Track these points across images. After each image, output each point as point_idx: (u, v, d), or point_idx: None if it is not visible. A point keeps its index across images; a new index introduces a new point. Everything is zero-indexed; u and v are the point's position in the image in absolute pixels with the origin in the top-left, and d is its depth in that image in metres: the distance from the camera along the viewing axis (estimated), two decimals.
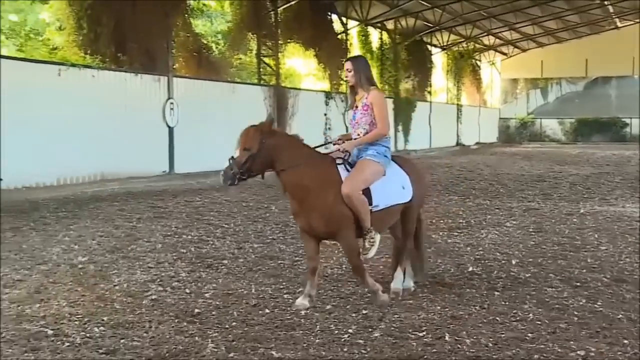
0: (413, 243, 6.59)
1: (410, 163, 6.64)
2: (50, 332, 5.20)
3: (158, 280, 6.93)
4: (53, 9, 20.94)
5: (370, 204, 5.92)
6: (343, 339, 5.15)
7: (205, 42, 24.58)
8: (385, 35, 34.67)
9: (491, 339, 5.12)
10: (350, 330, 5.34)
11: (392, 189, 6.09)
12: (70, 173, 16.62)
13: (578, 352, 4.86)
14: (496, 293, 6.44)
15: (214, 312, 5.80)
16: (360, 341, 5.11)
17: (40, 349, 4.84)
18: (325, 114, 28.72)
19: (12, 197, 13.46)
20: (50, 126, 15.83)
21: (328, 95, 29.01)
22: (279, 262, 7.91)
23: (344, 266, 7.65)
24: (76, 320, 5.50)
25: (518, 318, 5.66)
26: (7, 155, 14.67)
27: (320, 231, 5.93)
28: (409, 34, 35.44)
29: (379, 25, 33.47)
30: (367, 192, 5.93)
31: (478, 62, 47.94)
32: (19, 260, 7.82)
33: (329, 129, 28.84)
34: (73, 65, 17.03)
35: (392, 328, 5.40)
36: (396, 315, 5.72)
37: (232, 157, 5.84)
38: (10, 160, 14.75)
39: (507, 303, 6.10)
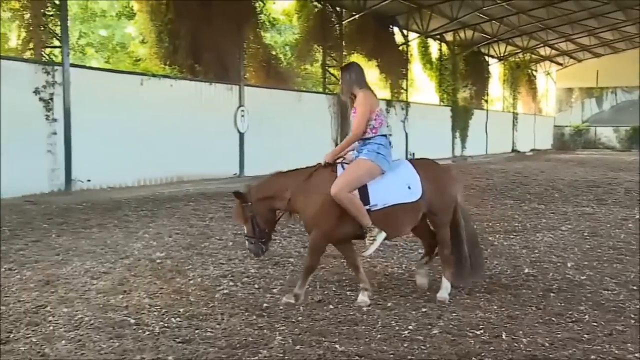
0: (449, 249, 6.10)
1: (433, 167, 6.24)
2: (132, 321, 5.32)
3: (229, 275, 7.00)
4: (137, 24, 21.49)
5: (368, 202, 5.71)
6: (403, 335, 5.10)
7: (274, 53, 24.78)
8: (444, 47, 34.33)
9: (547, 339, 4.99)
10: (410, 327, 5.29)
11: (394, 188, 5.80)
12: (149, 175, 17.00)
13: (636, 355, 4.69)
14: (552, 294, 6.27)
15: (281, 307, 5.82)
16: (420, 337, 5.05)
17: (123, 337, 4.94)
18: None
19: (98, 197, 13.85)
20: (132, 131, 16.24)
21: (389, 103, 28.87)
22: (342, 261, 7.86)
23: (403, 265, 7.60)
24: (155, 311, 5.61)
25: (574, 319, 5.50)
26: (94, 158, 15.11)
27: (307, 227, 5.90)
28: (467, 45, 35.01)
29: (438, 37, 33.17)
30: (364, 191, 5.72)
31: (534, 72, 46.97)
32: (104, 254, 8.02)
33: (390, 135, 28.73)
34: (154, 75, 17.44)
35: (451, 326, 5.32)
36: (454, 314, 5.64)
37: (244, 234, 6.07)
38: (97, 162, 15.20)
39: (563, 304, 5.94)
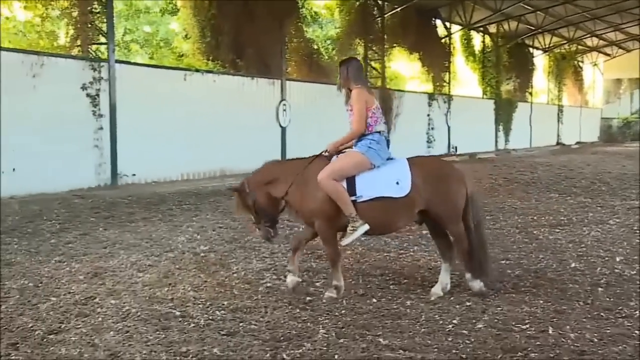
0: (466, 243, 5.94)
1: (434, 165, 6.23)
2: (177, 313, 5.39)
3: (272, 269, 7.04)
4: (180, 20, 21.72)
5: (354, 193, 5.77)
6: (447, 329, 5.07)
7: (315, 47, 24.79)
8: (487, 39, 33.90)
9: (596, 335, 4.90)
10: (454, 321, 5.25)
11: (382, 182, 5.81)
12: (193, 169, 17.19)
13: None
14: (600, 289, 6.15)
15: (324, 300, 5.83)
16: (464, 332, 5.01)
17: (169, 329, 5.02)
18: (428, 115, 28.44)
19: (143, 191, 14.07)
20: (175, 126, 16.44)
21: (431, 96, 28.70)
22: (385, 254, 7.86)
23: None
24: (200, 304, 5.67)
25: (624, 315, 5.38)
26: (139, 152, 15.36)
27: (306, 218, 6.01)
28: (511, 37, 34.50)
29: (481, 29, 32.76)
30: (351, 182, 5.79)
31: (580, 64, 46.05)
32: (149, 247, 8.15)
33: (432, 128, 28.54)
34: (197, 70, 17.61)
35: (496, 320, 5.27)
36: (499, 308, 5.57)
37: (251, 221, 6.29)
38: (142, 157, 15.44)
39: (611, 299, 5.82)
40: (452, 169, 6.25)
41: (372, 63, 25.98)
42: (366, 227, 5.81)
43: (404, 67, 31.62)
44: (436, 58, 28.92)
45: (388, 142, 6.07)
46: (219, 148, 17.60)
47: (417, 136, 27.51)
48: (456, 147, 30.02)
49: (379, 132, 5.99)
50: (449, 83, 30.12)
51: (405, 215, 5.92)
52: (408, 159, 5.96)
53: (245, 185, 6.15)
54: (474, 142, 30.75)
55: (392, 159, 6.04)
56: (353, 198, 5.77)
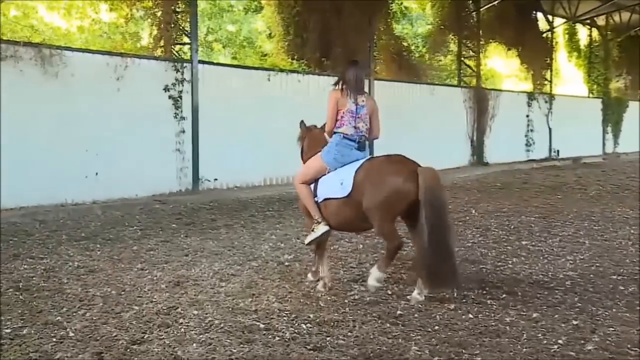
0: (391, 243, 6.09)
1: (380, 163, 6.24)
2: (262, 325, 5.44)
3: (360, 280, 7.01)
4: (265, 18, 22.08)
5: (315, 195, 6.55)
6: (552, 350, 4.90)
7: (405, 44, 24.67)
8: (595, 32, 32.86)
9: None
10: (560, 341, 5.07)
11: (331, 183, 6.43)
12: (276, 174, 17.38)
13: None
14: None
15: (416, 315, 5.76)
16: (572, 353, 4.83)
17: (253, 342, 5.07)
18: (527, 116, 27.83)
19: (224, 196, 14.35)
20: (258, 128, 16.65)
21: (531, 96, 28.07)
22: (481, 266, 7.72)
23: (549, 273, 7.32)
24: (285, 316, 5.71)
25: None
26: (220, 156, 15.66)
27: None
28: (622, 29, 33.25)
29: (588, 21, 31.76)
30: (315, 185, 6.59)
31: None
32: (232, 255, 8.28)
33: (532, 131, 27.89)
34: (281, 70, 17.81)
35: (607, 342, 5.05)
36: (611, 329, 5.35)
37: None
38: (224, 161, 15.74)
39: None
40: (393, 165, 6.17)
41: (466, 61, 25.63)
42: (325, 228, 6.52)
43: (501, 65, 31.06)
44: (537, 54, 28.26)
45: (360, 144, 6.54)
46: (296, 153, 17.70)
47: (515, 139, 26.98)
48: (558, 151, 29.24)
49: (342, 134, 6.55)
50: (550, 81, 29.36)
51: (352, 214, 6.31)
52: (367, 159, 6.41)
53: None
54: (578, 145, 29.85)
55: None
56: (315, 199, 6.56)
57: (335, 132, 6.62)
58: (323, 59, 19.55)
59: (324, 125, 7.02)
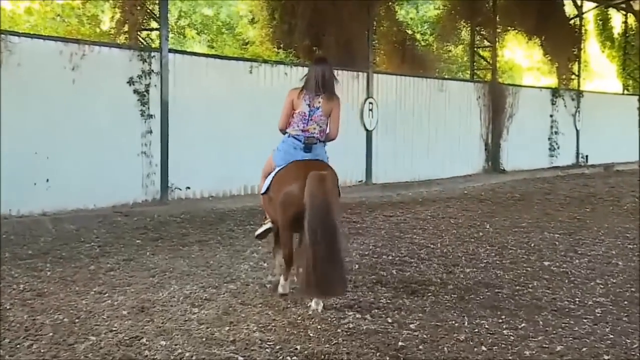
0: (284, 249, 7.37)
1: (286, 168, 7.42)
2: (240, 358, 5.44)
3: (356, 306, 7.03)
4: (247, 1, 22.11)
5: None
6: None
7: (409, 32, 24.76)
8: (631, 18, 32.95)
9: None
10: None
11: (267, 181, 7.69)
12: (259, 180, 17.28)
13: None
14: None
15: (420, 347, 5.78)
16: None
17: None
18: (551, 116, 27.89)
19: (198, 207, 14.33)
20: (239, 128, 16.61)
21: (555, 92, 28.12)
22: (496, 290, 7.75)
23: (576, 299, 7.36)
24: (267, 348, 5.71)
25: None
26: (194, 160, 15.62)
27: None
28: None
29: (623, 6, 31.88)
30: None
31: None
32: (206, 277, 8.27)
33: (556, 133, 27.95)
34: (265, 61, 17.79)
35: None
36: None
37: None
38: (198, 166, 15.69)
39: None
40: (294, 171, 7.24)
41: (480, 51, 25.72)
42: (266, 225, 8.00)
43: (521, 56, 31.19)
44: (562, 44, 28.32)
45: (307, 145, 7.49)
46: None
47: (537, 143, 27.00)
48: (587, 157, 29.33)
49: (289, 135, 7.65)
50: (578, 75, 29.46)
51: (275, 211, 7.44)
52: (292, 162, 7.45)
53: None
54: (611, 150, 29.94)
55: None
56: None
57: (286, 131, 7.74)
58: (314, 48, 19.56)
59: None
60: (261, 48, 19.64)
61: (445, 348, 5.74)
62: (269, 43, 19.59)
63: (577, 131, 29.08)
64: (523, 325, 6.40)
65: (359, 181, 19.57)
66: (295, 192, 6.94)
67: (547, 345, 5.82)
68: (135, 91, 14.85)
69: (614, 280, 8.26)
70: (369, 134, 20.01)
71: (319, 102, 7.53)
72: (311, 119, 7.53)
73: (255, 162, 16.61)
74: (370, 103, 20.02)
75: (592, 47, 32.21)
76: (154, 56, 15.12)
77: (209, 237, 10.96)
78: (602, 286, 7.97)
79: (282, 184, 7.23)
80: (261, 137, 16.94)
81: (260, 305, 7.02)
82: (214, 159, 16.08)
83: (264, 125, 17.04)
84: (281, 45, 19.34)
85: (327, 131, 7.74)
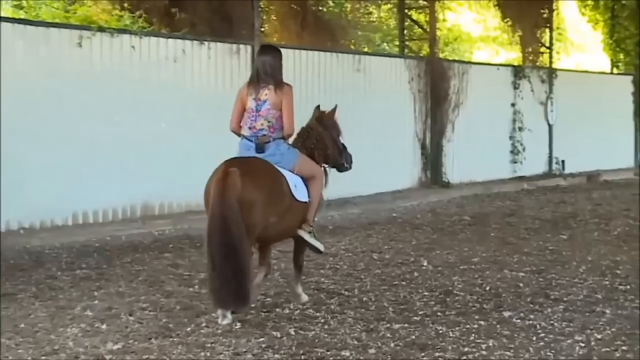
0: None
1: (220, 166, 9.05)
2: None
3: None
4: None
5: None
6: None
7: None
8: None
9: None
10: None
11: None
12: (94, 204, 17.06)
13: None
14: None
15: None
16: None
17: None
18: (513, 105, 28.28)
19: (5, 245, 13.95)
20: (65, 128, 16.34)
21: (518, 71, 28.57)
22: (437, 355, 7.82)
23: None
24: None
25: None
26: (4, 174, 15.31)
27: None
28: None
29: None
30: None
31: None
32: (13, 347, 8.10)
33: (520, 129, 28.36)
34: (101, 29, 17.57)
35: None
36: None
37: None
38: (8, 181, 15.34)
39: None
40: (217, 174, 8.93)
41: (413, 14, 26.00)
42: None
43: (470, 22, 31.70)
44: (528, 5, 28.87)
45: (258, 145, 9.36)
46: (144, 165, 17.51)
47: (494, 144, 27.31)
48: (563, 162, 29.79)
49: (242, 136, 9.52)
50: (550, 48, 30.08)
51: None
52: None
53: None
54: (595, 152, 30.56)
55: None
56: None
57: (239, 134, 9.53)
58: (174, 10, 19.45)
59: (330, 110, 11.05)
60: (95, 9, 19.40)
61: None
62: (107, 2, 19.37)
63: (550, 126, 29.59)
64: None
65: None
66: (205, 196, 8.99)
67: None
68: None
69: (599, 336, 8.42)
70: None
71: (266, 95, 9.32)
72: (259, 114, 9.35)
73: (89, 177, 16.54)
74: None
75: (569, 8, 32.88)
76: None
77: (19, 289, 10.74)
78: (582, 344, 8.12)
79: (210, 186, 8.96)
80: (94, 138, 16.77)
81: None
82: (27, 173, 15.75)
83: (99, 121, 16.89)
84: (125, 6, 19.16)
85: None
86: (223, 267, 8.60)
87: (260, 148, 9.27)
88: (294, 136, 10.06)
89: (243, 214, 8.63)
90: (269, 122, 9.31)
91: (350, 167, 11.17)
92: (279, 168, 9.31)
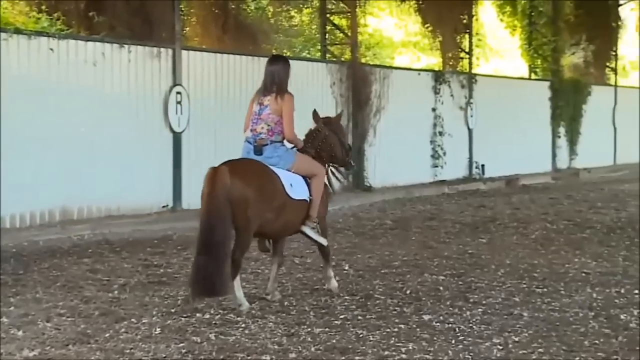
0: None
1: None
2: None
3: None
4: None
5: None
6: None
7: None
8: None
9: None
10: None
11: None
12: (14, 207, 16.86)
13: None
14: None
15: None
16: None
17: None
18: (434, 110, 28.45)
19: None
20: (24, 133, 16.12)
21: (439, 76, 28.75)
22: (357, 359, 7.84)
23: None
24: None
25: None
26: None
27: None
28: None
29: None
30: None
31: None
32: None
33: (440, 134, 28.50)
34: (18, 31, 17.33)
35: None
36: None
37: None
38: None
39: None
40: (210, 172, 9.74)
41: (335, 19, 26.01)
42: None
43: (392, 27, 31.79)
44: (448, 10, 29.05)
45: (256, 147, 10.24)
46: (63, 169, 17.32)
47: (415, 148, 27.43)
48: (483, 167, 30.01)
49: (246, 138, 10.46)
50: (469, 53, 30.30)
51: None
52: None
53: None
54: (515, 157, 30.83)
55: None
56: None
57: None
58: (91, 14, 19.28)
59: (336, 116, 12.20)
60: (12, 11, 19.16)
61: None
62: (23, 4, 19.13)
63: (470, 131, 29.82)
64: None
65: (164, 206, 19.26)
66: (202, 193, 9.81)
67: None
68: None
69: (516, 339, 8.50)
70: (176, 136, 19.78)
71: (268, 101, 10.30)
72: (260, 118, 10.31)
73: (9, 179, 16.30)
74: (178, 93, 19.82)
75: (488, 14, 33.10)
76: None
77: None
78: (500, 347, 8.19)
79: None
80: (14, 140, 16.55)
81: None
82: None
83: (19, 124, 16.65)
84: (42, 7, 18.92)
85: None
86: (201, 258, 9.49)
87: (258, 150, 10.19)
88: (302, 137, 11.00)
89: (234, 210, 9.58)
90: (268, 125, 10.26)
91: (355, 167, 12.81)
92: (274, 168, 10.10)
